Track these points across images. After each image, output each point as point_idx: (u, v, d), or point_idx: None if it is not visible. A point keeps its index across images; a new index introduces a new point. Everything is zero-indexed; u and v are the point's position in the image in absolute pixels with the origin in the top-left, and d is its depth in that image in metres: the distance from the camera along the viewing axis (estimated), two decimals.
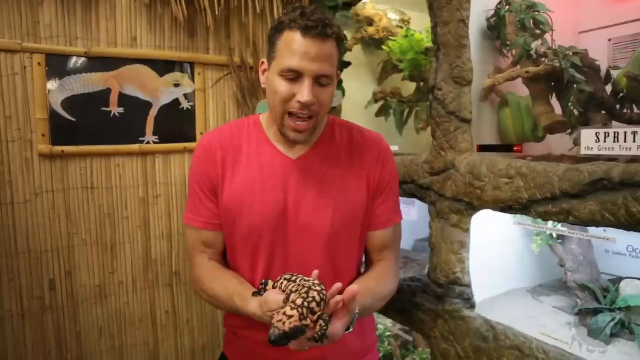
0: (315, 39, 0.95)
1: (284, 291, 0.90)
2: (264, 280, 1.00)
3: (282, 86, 0.98)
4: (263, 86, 1.07)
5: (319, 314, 0.83)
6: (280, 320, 0.79)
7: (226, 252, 1.16)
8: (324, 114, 1.04)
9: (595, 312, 1.23)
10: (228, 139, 1.12)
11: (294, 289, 0.86)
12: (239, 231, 1.08)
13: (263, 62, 1.07)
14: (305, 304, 0.81)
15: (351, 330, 0.95)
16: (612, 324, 1.18)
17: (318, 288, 0.85)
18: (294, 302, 0.82)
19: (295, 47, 0.95)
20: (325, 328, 0.82)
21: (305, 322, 0.80)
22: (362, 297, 1.03)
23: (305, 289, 0.84)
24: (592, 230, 1.23)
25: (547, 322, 1.27)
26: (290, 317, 0.79)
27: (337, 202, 1.08)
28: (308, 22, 0.94)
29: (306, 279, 0.91)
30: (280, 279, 0.95)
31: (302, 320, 0.79)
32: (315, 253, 1.07)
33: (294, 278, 0.92)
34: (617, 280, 1.34)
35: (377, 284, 1.11)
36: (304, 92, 0.96)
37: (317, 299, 0.83)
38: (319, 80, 0.98)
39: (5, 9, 1.56)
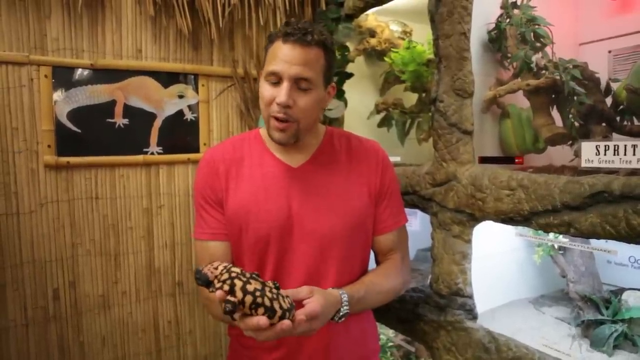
0: (295, 45, 1.01)
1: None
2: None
3: (266, 90, 1.04)
4: None
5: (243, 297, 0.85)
6: (208, 267, 0.88)
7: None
8: (306, 119, 1.07)
9: (598, 323, 1.23)
10: (230, 152, 1.15)
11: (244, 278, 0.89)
12: (245, 240, 1.10)
13: (260, 73, 1.11)
14: (232, 275, 0.86)
15: (337, 320, 0.99)
16: (614, 335, 1.18)
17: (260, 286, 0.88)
18: (229, 271, 0.87)
19: (277, 52, 1.02)
20: (227, 307, 0.84)
21: (217, 282, 0.85)
22: (355, 291, 1.06)
23: (246, 278, 0.88)
24: (594, 241, 1.24)
25: (549, 333, 1.27)
26: (215, 268, 0.87)
27: (340, 208, 1.11)
28: (288, 30, 1.02)
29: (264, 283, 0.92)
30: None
31: (215, 277, 0.86)
32: (320, 258, 1.09)
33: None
34: (619, 291, 1.34)
35: (375, 277, 1.15)
36: (281, 94, 1.01)
37: (245, 286, 0.86)
38: (298, 85, 1.02)
39: (13, 22, 1.58)
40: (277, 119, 1.04)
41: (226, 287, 0.84)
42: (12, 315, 1.65)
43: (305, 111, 1.05)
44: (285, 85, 1.01)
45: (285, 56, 1.01)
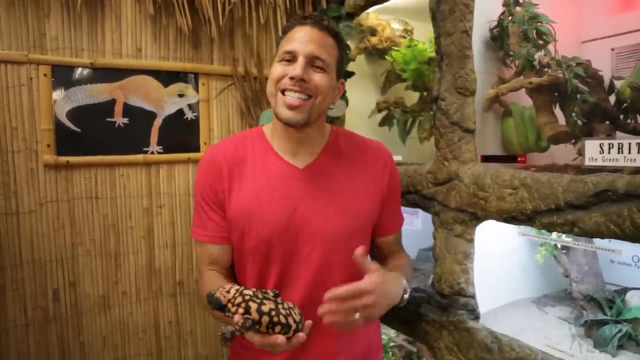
0: (313, 26, 1.03)
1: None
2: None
3: (278, 69, 1.03)
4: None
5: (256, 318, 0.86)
6: (220, 290, 0.88)
7: (233, 266, 1.16)
8: (321, 99, 1.04)
9: (601, 323, 1.22)
10: (232, 150, 1.13)
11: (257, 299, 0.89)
12: (247, 242, 1.08)
13: (259, 70, 1.10)
14: (246, 298, 0.87)
15: (403, 303, 1.05)
16: (618, 335, 1.17)
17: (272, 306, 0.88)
18: (242, 294, 0.87)
19: (293, 35, 1.03)
20: (247, 323, 0.84)
21: (231, 306, 0.86)
22: (399, 269, 1.13)
23: (260, 299, 0.88)
24: (597, 240, 1.23)
25: (552, 334, 1.26)
26: (227, 292, 0.88)
27: (346, 209, 1.10)
28: (305, 15, 1.04)
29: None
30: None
31: (229, 300, 0.87)
32: (326, 260, 1.08)
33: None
34: (623, 291, 1.33)
35: (395, 263, 1.19)
36: (296, 67, 1.00)
37: (260, 308, 0.87)
38: (313, 64, 1.02)
39: (12, 21, 1.57)
40: (288, 92, 1.01)
41: (241, 311, 0.85)
42: (12, 316, 1.64)
43: (320, 88, 1.03)
44: (300, 60, 1.00)
45: (302, 36, 1.02)
